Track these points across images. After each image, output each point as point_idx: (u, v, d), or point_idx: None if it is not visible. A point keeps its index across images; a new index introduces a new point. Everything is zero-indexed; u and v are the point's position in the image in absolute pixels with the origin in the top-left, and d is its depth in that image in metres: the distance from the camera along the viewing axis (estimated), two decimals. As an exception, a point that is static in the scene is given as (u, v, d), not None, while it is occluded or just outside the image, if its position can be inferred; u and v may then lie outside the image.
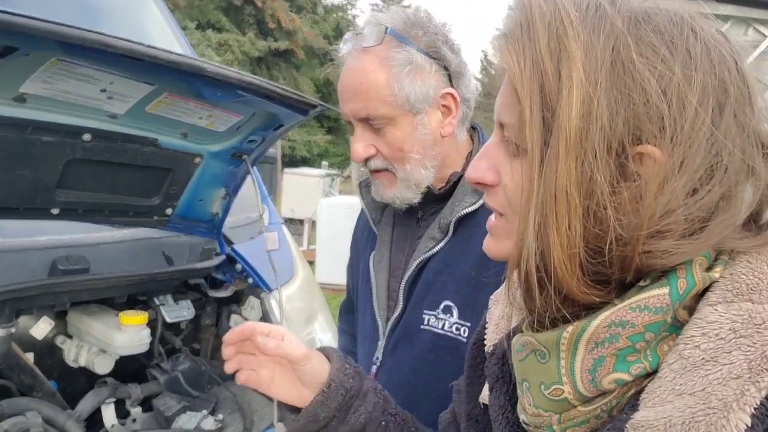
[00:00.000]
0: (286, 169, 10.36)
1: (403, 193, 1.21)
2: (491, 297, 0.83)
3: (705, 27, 0.53)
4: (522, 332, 0.63)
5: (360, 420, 0.88)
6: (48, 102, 1.40)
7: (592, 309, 0.55)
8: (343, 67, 1.20)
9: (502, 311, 0.77)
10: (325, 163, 12.94)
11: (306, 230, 8.61)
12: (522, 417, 0.63)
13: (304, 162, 18.27)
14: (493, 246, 0.65)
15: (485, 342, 0.77)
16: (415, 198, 1.22)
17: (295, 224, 8.79)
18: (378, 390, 0.94)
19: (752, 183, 0.52)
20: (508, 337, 0.69)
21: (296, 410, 0.89)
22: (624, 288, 0.54)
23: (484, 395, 0.75)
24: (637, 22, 0.52)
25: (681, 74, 0.50)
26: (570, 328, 0.55)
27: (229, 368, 0.92)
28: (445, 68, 1.19)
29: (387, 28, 1.15)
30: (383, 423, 0.91)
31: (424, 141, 1.19)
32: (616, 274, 0.53)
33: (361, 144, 1.19)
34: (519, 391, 0.63)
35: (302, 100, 1.55)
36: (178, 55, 1.30)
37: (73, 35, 1.12)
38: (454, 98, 1.20)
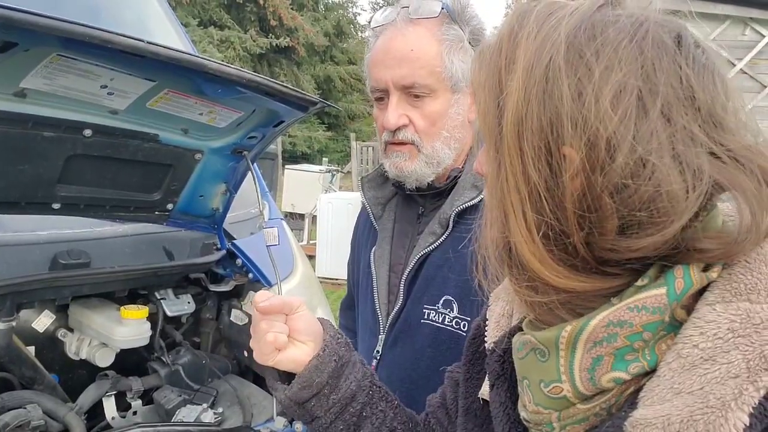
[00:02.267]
0: (287, 165, 10.36)
1: (423, 168, 1.21)
2: (492, 293, 0.84)
3: (658, 34, 0.53)
4: (522, 331, 0.64)
5: (351, 387, 0.89)
6: (48, 97, 1.40)
7: (591, 308, 0.56)
8: (382, 36, 1.21)
9: (503, 308, 0.78)
10: (325, 159, 12.93)
11: (306, 225, 8.62)
12: (522, 414, 0.64)
13: (305, 158, 18.24)
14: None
15: (485, 338, 0.78)
16: (430, 177, 1.22)
17: (295, 219, 8.80)
18: (363, 362, 0.95)
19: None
20: (510, 335, 0.70)
21: (285, 381, 0.90)
22: (605, 276, 0.55)
23: (484, 391, 0.75)
24: (578, 30, 0.54)
25: (599, 76, 0.51)
26: (568, 327, 0.56)
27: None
28: None
29: (444, 4, 1.17)
30: (370, 393, 0.92)
31: (455, 121, 1.20)
32: (579, 262, 0.55)
33: (395, 112, 1.18)
34: (519, 389, 0.64)
35: (302, 97, 1.56)
36: (180, 51, 1.30)
37: (74, 31, 1.12)
38: None
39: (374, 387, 0.94)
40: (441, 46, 1.17)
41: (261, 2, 19.17)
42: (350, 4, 25.58)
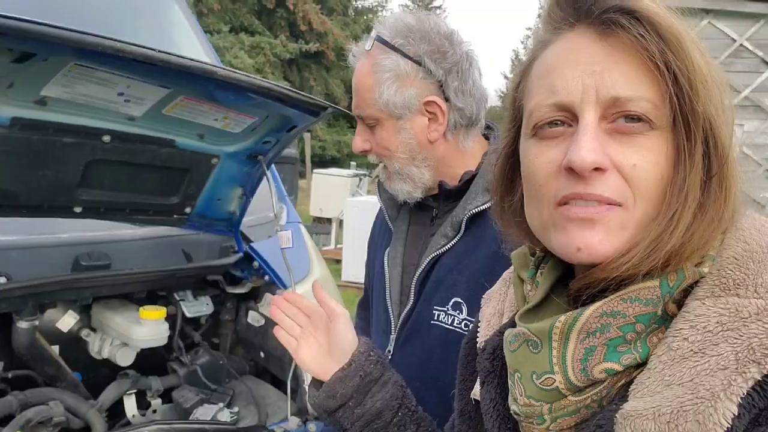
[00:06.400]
0: (315, 170, 10.44)
1: (402, 185, 1.26)
2: (483, 295, 0.85)
3: None
4: (515, 326, 0.65)
5: (376, 405, 0.93)
6: (68, 105, 1.46)
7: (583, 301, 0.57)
8: None
9: (494, 308, 0.79)
10: (353, 163, 12.96)
11: (333, 229, 8.65)
12: (513, 407, 0.64)
13: (334, 162, 18.33)
14: (607, 242, 0.56)
15: (477, 340, 0.79)
16: (416, 192, 1.26)
17: (323, 223, 8.86)
18: (400, 384, 0.99)
19: None
20: (500, 332, 0.71)
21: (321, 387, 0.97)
22: None
23: (476, 391, 0.76)
24: None
25: None
26: (562, 317, 0.57)
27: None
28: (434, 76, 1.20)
29: (377, 35, 1.21)
30: (399, 414, 0.95)
31: (409, 144, 1.24)
32: None
33: (359, 138, 1.29)
34: (510, 382, 0.65)
35: (313, 102, 1.58)
36: (190, 59, 1.34)
37: (86, 41, 1.17)
38: (440, 106, 1.21)
39: (404, 408, 0.97)
40: (374, 78, 1.21)
41: (291, 7, 19.36)
42: (380, 8, 25.66)
